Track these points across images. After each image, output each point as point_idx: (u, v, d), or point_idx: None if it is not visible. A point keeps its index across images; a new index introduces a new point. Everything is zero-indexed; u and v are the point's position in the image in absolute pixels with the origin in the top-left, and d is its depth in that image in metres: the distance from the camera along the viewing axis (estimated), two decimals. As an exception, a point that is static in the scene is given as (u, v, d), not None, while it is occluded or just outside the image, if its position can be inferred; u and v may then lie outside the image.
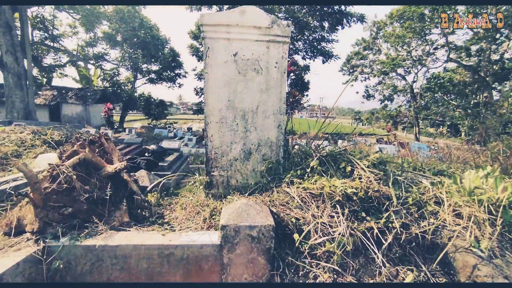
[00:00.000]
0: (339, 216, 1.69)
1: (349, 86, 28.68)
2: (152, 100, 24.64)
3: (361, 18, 14.46)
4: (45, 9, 19.03)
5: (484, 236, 1.52)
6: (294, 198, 1.87)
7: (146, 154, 4.11)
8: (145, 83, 24.99)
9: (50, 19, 19.70)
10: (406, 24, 19.09)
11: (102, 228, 1.65)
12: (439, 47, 20.56)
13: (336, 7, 13.67)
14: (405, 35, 19.72)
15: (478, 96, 20.39)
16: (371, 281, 1.52)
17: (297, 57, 16.45)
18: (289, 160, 2.44)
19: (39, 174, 1.75)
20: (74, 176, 1.71)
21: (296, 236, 1.62)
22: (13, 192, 1.84)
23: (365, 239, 1.63)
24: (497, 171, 1.91)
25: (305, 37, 15.58)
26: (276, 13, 13.59)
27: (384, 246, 1.60)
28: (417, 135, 23.77)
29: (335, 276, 1.53)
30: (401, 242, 1.64)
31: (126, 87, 24.54)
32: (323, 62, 16.35)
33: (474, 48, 19.04)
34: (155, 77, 24.35)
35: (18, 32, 13.21)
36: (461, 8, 16.58)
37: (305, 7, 14.06)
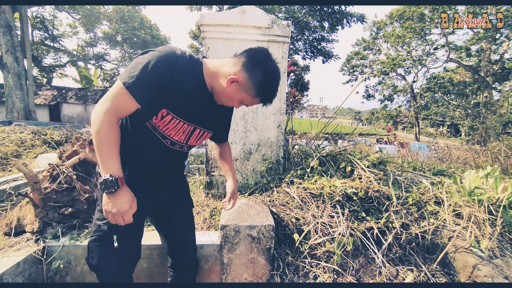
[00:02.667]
0: (339, 216, 1.69)
1: (348, 86, 28.73)
2: (152, 100, 24.59)
3: (361, 18, 14.44)
4: (45, 9, 19.04)
5: (484, 236, 1.52)
6: (294, 198, 1.88)
7: (146, 154, 4.09)
8: (145, 83, 24.98)
9: (50, 19, 19.71)
10: (406, 24, 19.10)
11: (102, 228, 1.64)
12: (439, 47, 20.58)
13: (336, 7, 13.66)
14: (405, 35, 19.73)
15: (478, 96, 20.39)
16: (371, 281, 1.52)
17: (297, 57, 16.47)
18: (289, 160, 2.44)
19: (39, 174, 1.75)
20: (74, 176, 1.71)
21: (296, 236, 1.62)
22: (13, 192, 1.84)
23: (365, 239, 1.63)
24: (497, 171, 1.91)
25: (305, 37, 15.57)
26: (276, 13, 13.58)
27: (384, 246, 1.60)
28: (417, 135, 23.78)
29: (335, 276, 1.53)
30: (401, 242, 1.64)
31: (126, 87, 24.50)
32: (323, 62, 16.34)
33: (474, 48, 19.05)
34: (155, 77, 24.34)
35: (18, 32, 13.22)
36: (461, 8, 16.59)
37: (305, 7, 14.05)
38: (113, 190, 0.89)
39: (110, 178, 0.89)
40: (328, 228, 1.65)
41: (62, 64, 22.73)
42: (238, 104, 1.05)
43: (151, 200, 1.14)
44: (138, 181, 1.06)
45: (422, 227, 1.68)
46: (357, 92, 27.78)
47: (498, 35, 16.61)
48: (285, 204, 1.87)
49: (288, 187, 2.02)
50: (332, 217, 1.71)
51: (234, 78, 0.96)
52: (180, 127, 1.05)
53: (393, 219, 1.67)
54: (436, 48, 20.77)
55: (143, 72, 0.88)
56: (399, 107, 28.33)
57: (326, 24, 14.72)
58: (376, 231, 1.63)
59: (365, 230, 1.65)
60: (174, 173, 1.24)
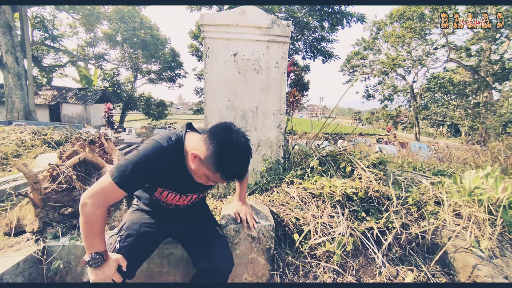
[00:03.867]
0: (339, 216, 1.69)
1: (348, 86, 28.66)
2: (152, 100, 24.68)
3: (361, 18, 14.43)
4: (45, 9, 19.04)
5: (484, 236, 1.52)
6: (294, 198, 1.88)
7: (146, 154, 4.08)
8: (145, 83, 25.05)
9: (50, 19, 19.70)
10: (406, 24, 19.09)
11: (102, 228, 1.64)
12: (439, 47, 20.57)
13: (336, 7, 13.65)
14: (405, 35, 19.72)
15: (478, 96, 20.39)
16: (371, 281, 1.52)
17: (297, 57, 16.44)
18: (289, 160, 2.44)
19: (39, 174, 1.75)
20: (74, 176, 1.71)
21: (296, 236, 1.62)
22: (13, 192, 1.84)
23: (365, 239, 1.63)
24: (497, 171, 1.91)
25: (305, 37, 15.56)
26: (276, 13, 13.58)
27: (384, 246, 1.60)
28: (417, 135, 23.78)
29: (335, 276, 1.53)
30: (401, 242, 1.64)
31: (126, 87, 24.57)
32: (323, 62, 16.31)
33: (474, 48, 19.05)
34: (155, 77, 24.39)
35: (18, 32, 13.21)
36: (461, 8, 16.58)
37: (305, 7, 14.04)
38: (100, 264, 1.00)
39: (97, 256, 0.99)
40: (328, 228, 1.65)
41: (62, 64, 22.73)
42: (206, 180, 1.04)
43: (160, 223, 1.29)
44: (150, 214, 1.30)
45: (422, 227, 1.68)
46: (357, 92, 27.77)
47: (498, 35, 16.61)
48: (285, 204, 1.87)
49: (288, 187, 2.02)
50: (332, 217, 1.71)
51: (194, 153, 0.98)
52: (179, 198, 1.21)
53: (393, 219, 1.67)
54: (436, 48, 20.76)
55: (129, 168, 0.98)
56: (399, 107, 28.31)
57: (326, 24, 14.70)
58: (376, 231, 1.63)
59: (365, 230, 1.65)
60: (185, 214, 1.36)
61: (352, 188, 1.79)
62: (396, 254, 1.63)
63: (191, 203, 1.29)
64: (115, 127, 17.41)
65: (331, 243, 1.56)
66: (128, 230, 1.20)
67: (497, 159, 2.92)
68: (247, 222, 1.46)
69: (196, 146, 1.00)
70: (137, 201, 1.34)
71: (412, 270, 1.53)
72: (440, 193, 1.87)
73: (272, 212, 1.73)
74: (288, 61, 2.40)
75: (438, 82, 22.09)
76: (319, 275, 1.52)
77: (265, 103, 2.32)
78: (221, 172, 0.96)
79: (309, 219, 1.70)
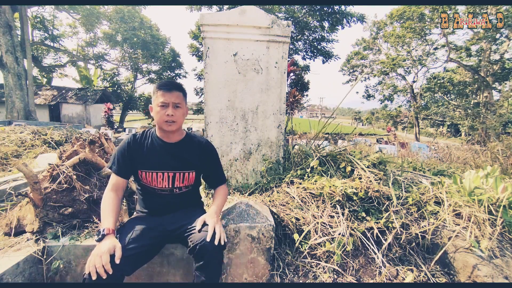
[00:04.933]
0: (339, 216, 1.69)
1: (349, 86, 28.70)
2: (152, 100, 24.60)
3: (361, 18, 14.42)
4: (45, 9, 19.03)
5: (484, 236, 1.52)
6: (294, 198, 1.88)
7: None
8: (145, 83, 25.06)
9: (50, 19, 19.70)
10: (406, 24, 19.09)
11: (102, 228, 1.64)
12: (439, 47, 20.56)
13: (336, 7, 13.65)
14: (405, 35, 19.71)
15: (478, 96, 20.38)
16: (371, 281, 1.52)
17: (297, 57, 16.42)
18: (289, 160, 2.44)
19: (39, 174, 1.75)
20: (74, 176, 1.71)
21: (296, 236, 1.62)
22: (13, 192, 1.84)
23: (365, 239, 1.63)
24: (497, 171, 1.91)
25: (305, 37, 15.55)
26: (276, 13, 13.58)
27: (384, 246, 1.60)
28: (417, 135, 23.78)
29: (335, 276, 1.53)
30: (401, 242, 1.65)
31: (126, 87, 24.58)
32: (323, 62, 16.30)
33: (474, 48, 19.04)
34: (155, 77, 24.38)
35: (18, 32, 13.21)
36: (461, 8, 16.59)
37: (305, 7, 14.04)
38: (100, 237, 1.19)
39: (102, 229, 1.21)
40: (328, 228, 1.65)
41: (62, 64, 22.72)
42: (162, 111, 1.33)
43: (155, 220, 1.41)
44: (144, 212, 1.49)
45: (422, 227, 1.68)
46: (357, 92, 27.79)
47: (498, 35, 16.60)
48: (285, 204, 1.87)
49: (288, 187, 2.02)
50: (332, 217, 1.71)
51: (150, 105, 1.41)
52: (159, 177, 1.40)
53: (393, 219, 1.67)
54: (436, 48, 20.75)
55: (115, 155, 1.40)
56: (399, 107, 28.31)
57: (326, 24, 14.70)
58: (376, 231, 1.63)
59: (365, 230, 1.65)
60: (176, 207, 1.48)
61: (352, 188, 1.79)
62: (396, 254, 1.63)
63: (175, 188, 1.42)
64: (115, 127, 17.40)
65: (331, 243, 1.56)
66: (126, 223, 1.41)
67: (497, 159, 2.92)
68: (214, 231, 1.23)
69: None
70: (137, 207, 1.56)
71: (412, 270, 1.54)
72: (440, 193, 1.87)
73: (272, 212, 1.73)
74: (288, 61, 2.40)
75: (438, 82, 22.08)
76: (319, 275, 1.52)
77: (265, 103, 2.32)
78: (156, 88, 1.34)
79: (309, 219, 1.70)
